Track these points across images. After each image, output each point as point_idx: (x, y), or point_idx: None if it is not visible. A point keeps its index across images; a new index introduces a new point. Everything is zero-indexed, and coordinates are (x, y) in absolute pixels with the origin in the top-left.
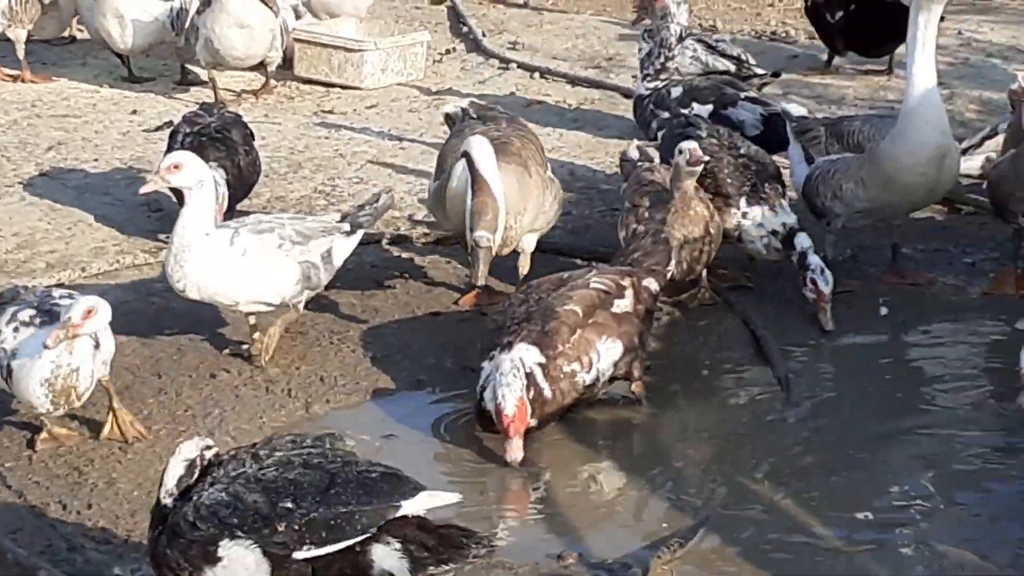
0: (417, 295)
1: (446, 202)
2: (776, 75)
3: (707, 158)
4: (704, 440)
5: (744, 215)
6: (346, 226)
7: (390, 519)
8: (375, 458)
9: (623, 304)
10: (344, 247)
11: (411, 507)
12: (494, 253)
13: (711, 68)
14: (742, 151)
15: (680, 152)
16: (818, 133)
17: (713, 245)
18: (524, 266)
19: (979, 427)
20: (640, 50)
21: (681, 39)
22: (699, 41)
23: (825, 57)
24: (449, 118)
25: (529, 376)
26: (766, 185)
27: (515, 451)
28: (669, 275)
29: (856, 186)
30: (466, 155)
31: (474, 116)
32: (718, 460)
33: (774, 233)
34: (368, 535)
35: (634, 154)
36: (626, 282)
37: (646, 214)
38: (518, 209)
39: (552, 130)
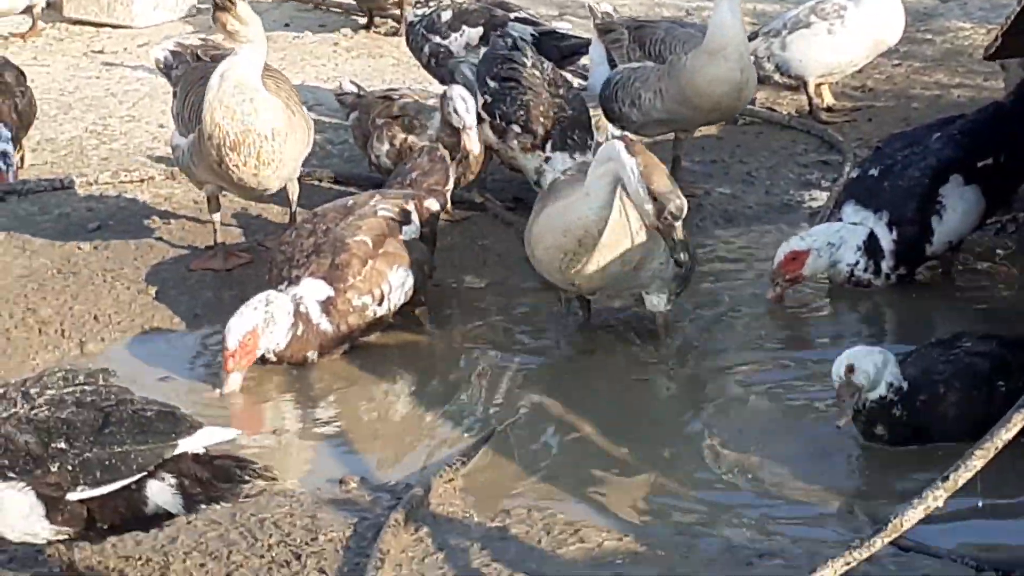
0: (192, 230)
1: None
2: None
3: (474, 114)
4: (488, 361)
5: (547, 160)
6: None
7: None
8: (152, 396)
9: (411, 230)
10: None
11: (188, 445)
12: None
13: None
14: (561, 92)
15: (448, 99)
16: (621, 36)
17: (478, 166)
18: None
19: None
20: None
21: None
22: None
23: None
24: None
25: (301, 314)
26: (575, 132)
27: (229, 384)
28: (449, 193)
29: (655, 96)
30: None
31: (201, 58)
32: (501, 380)
33: None
34: (144, 474)
35: (348, 87)
36: (410, 206)
37: (413, 123)
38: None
39: (328, 60)
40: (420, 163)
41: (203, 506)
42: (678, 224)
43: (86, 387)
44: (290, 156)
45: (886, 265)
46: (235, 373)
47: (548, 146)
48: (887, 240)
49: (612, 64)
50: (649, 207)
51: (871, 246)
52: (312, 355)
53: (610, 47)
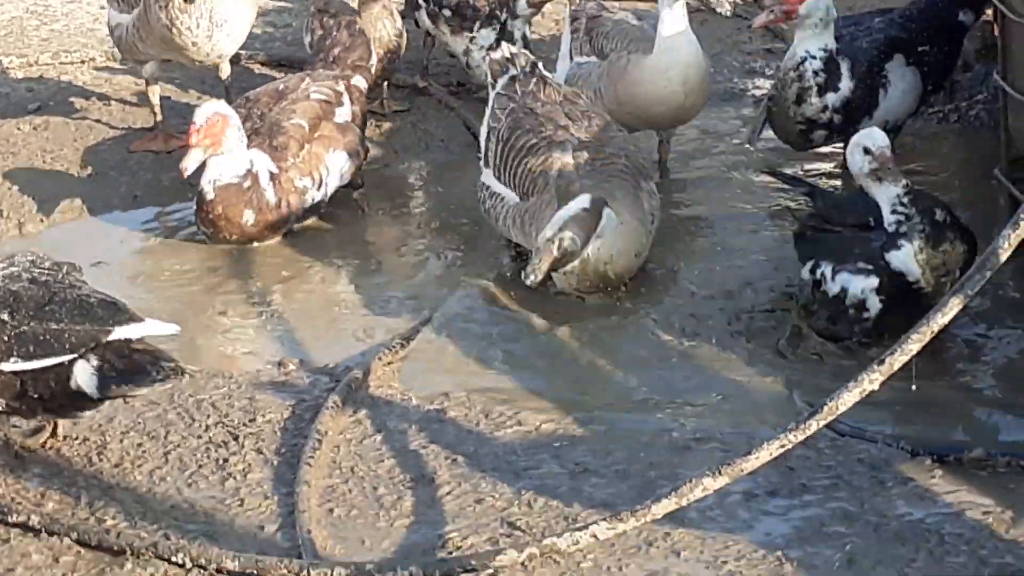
0: (132, 112)
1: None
2: None
3: None
4: (427, 245)
5: (472, 40)
6: None
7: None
8: (90, 279)
9: (343, 112)
10: None
11: (123, 333)
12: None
13: None
14: None
15: None
16: (579, 25)
17: (399, 50)
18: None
19: None
20: None
21: None
22: None
23: None
24: None
25: (254, 175)
26: (505, 13)
27: (189, 160)
28: (373, 70)
29: (595, 96)
30: None
31: None
32: (441, 264)
33: None
34: (76, 355)
35: None
36: (340, 86)
37: (330, 16)
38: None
39: None
40: (340, 38)
41: (115, 389)
42: (546, 249)
43: (47, 270)
44: (242, 15)
45: (832, 97)
46: (196, 149)
47: (476, 26)
48: (846, 77)
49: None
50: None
51: (833, 62)
52: (249, 216)
53: (572, 37)
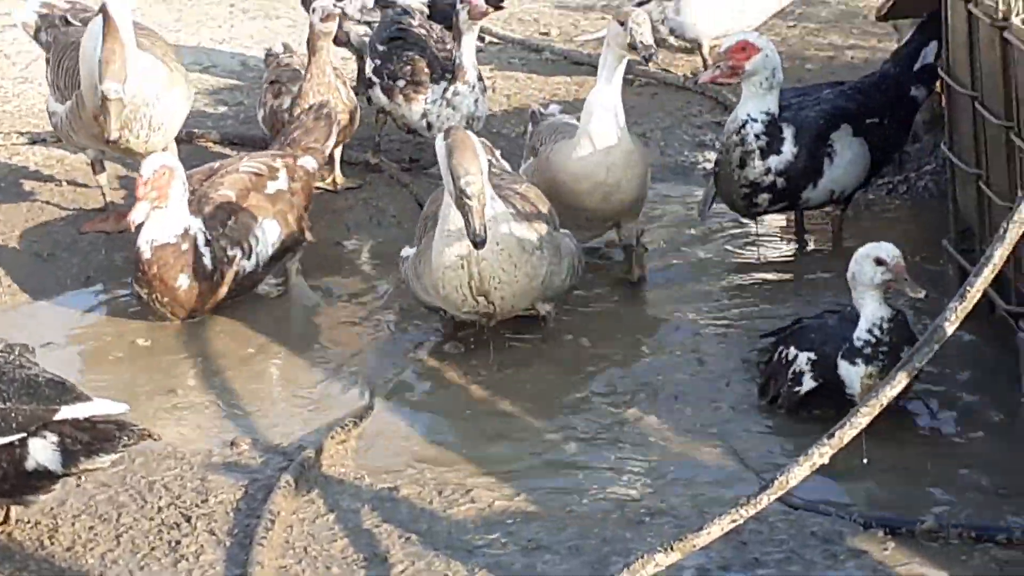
0: (83, 193)
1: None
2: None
3: (339, 12)
4: (377, 321)
5: (425, 99)
6: None
7: (50, 420)
8: (41, 359)
9: (277, 185)
10: None
11: (70, 412)
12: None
13: None
14: (448, 47)
15: (314, 10)
16: (532, 129)
17: (351, 124)
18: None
19: None
20: None
21: None
22: None
23: None
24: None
25: (192, 237)
26: (451, 65)
27: (137, 213)
28: (328, 151)
29: None
30: (103, 8)
31: (70, 22)
32: (393, 342)
33: None
34: (24, 434)
35: (279, 49)
36: (278, 163)
37: (282, 88)
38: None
39: (224, 22)
40: (303, 122)
41: (83, 462)
42: (472, 203)
43: None
44: (179, 113)
45: (775, 160)
46: (143, 202)
47: (432, 88)
48: (789, 142)
49: None
50: (450, 183)
51: (775, 127)
52: (183, 281)
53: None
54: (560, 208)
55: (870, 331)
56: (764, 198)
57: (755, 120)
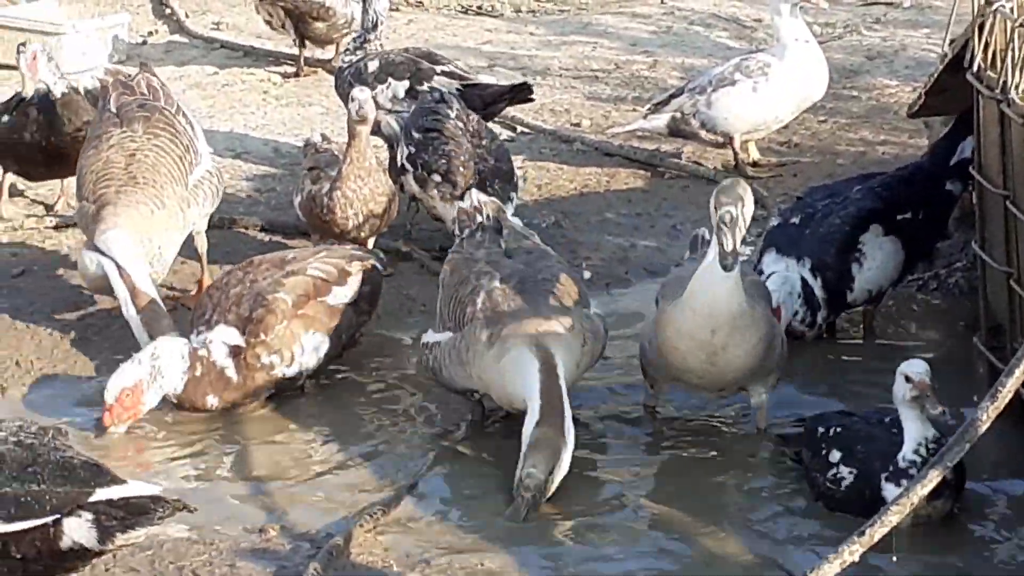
0: None
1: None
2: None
3: (374, 112)
4: (408, 409)
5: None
6: None
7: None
8: (74, 441)
9: (343, 292)
10: None
11: (104, 494)
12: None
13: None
14: (484, 142)
15: (352, 100)
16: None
17: (389, 211)
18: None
19: None
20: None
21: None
22: None
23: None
24: None
25: (199, 357)
26: (496, 182)
27: (117, 429)
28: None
29: (649, 345)
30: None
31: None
32: (422, 429)
33: None
34: (57, 516)
35: (317, 139)
36: (354, 267)
37: (320, 174)
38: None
39: (257, 108)
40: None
41: (119, 536)
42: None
43: (33, 433)
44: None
45: (820, 316)
46: (113, 427)
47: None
48: (818, 288)
49: None
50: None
51: (808, 296)
52: (213, 400)
53: None
54: (663, 365)
55: (916, 451)
56: (813, 333)
57: (793, 312)
